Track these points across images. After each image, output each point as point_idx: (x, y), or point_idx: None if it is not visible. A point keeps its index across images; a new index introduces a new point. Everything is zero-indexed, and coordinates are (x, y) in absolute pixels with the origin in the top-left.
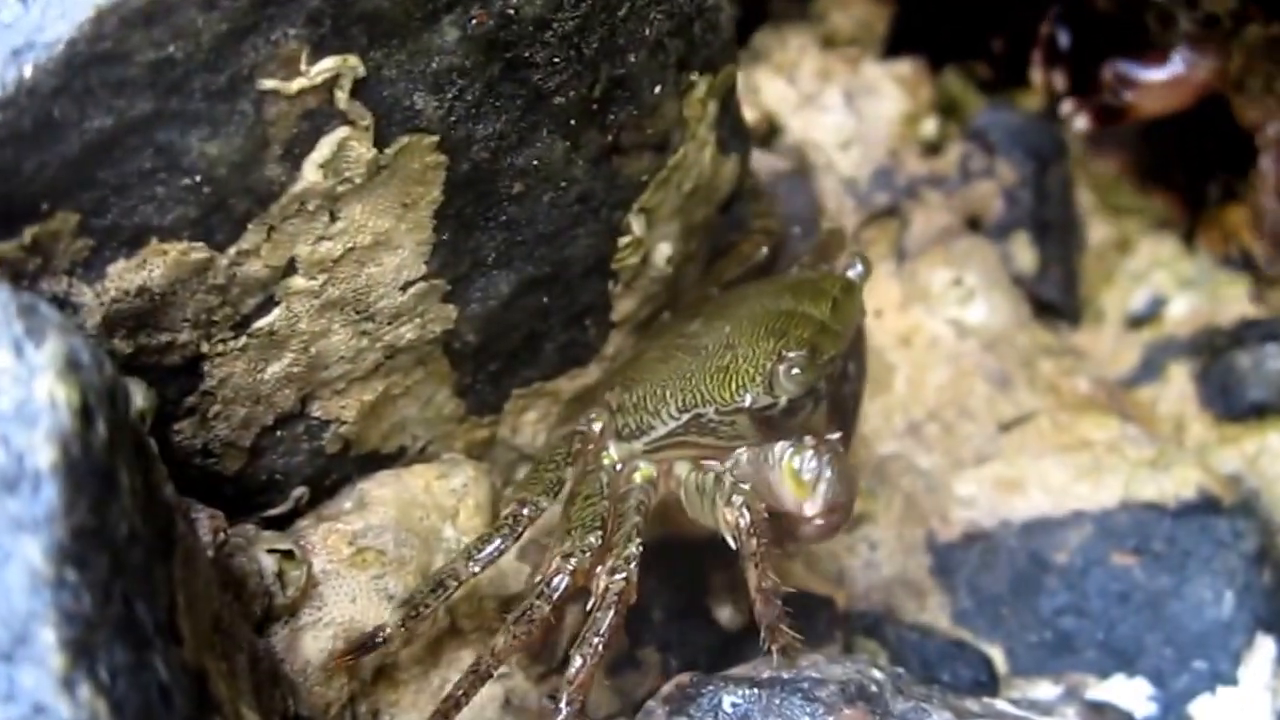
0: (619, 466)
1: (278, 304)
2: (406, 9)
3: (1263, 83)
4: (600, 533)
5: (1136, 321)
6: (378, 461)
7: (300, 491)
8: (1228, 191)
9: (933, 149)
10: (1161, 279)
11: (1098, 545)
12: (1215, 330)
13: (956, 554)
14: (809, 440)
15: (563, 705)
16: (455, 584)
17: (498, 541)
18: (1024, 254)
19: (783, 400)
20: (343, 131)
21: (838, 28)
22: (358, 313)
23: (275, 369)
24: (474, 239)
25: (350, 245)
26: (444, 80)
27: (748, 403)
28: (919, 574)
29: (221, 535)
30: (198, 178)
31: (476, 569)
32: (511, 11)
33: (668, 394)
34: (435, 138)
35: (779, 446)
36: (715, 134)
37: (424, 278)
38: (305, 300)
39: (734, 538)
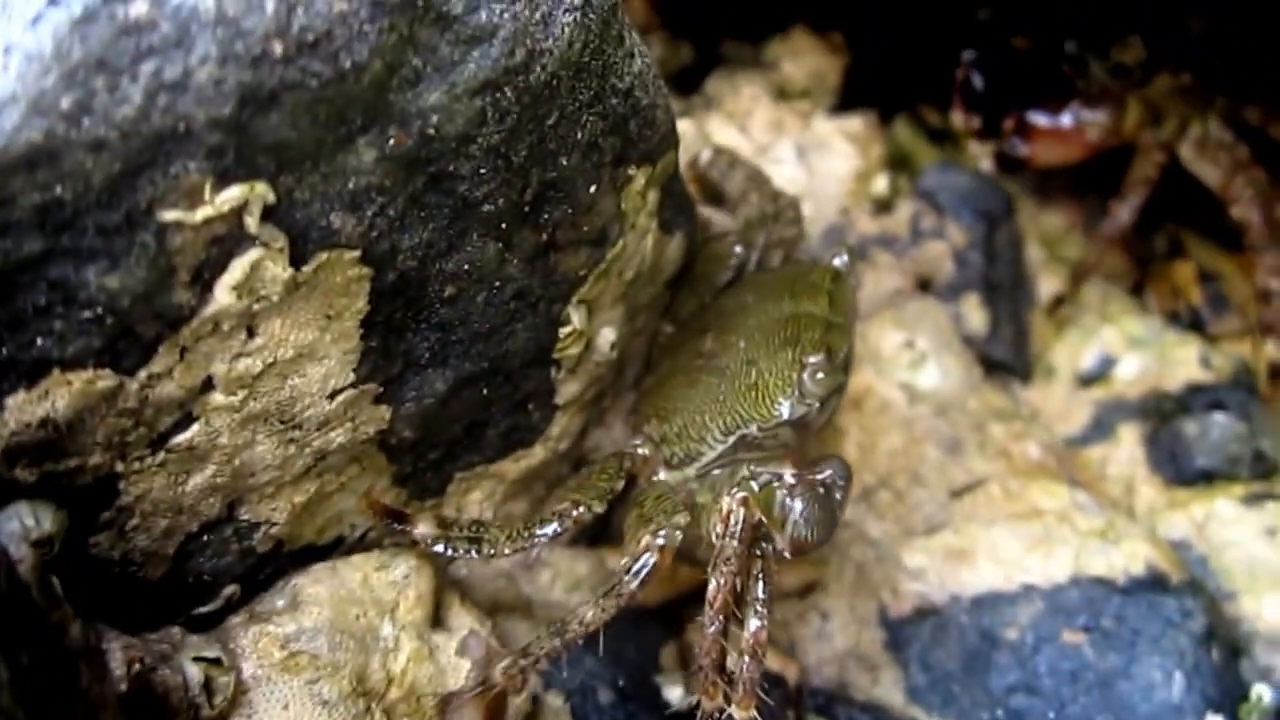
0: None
1: (196, 420)
2: (317, 136)
3: (1176, 130)
4: (686, 514)
5: (1086, 380)
6: (315, 553)
7: (231, 590)
8: (1175, 246)
9: (883, 207)
10: (1111, 337)
11: (1048, 622)
12: (1163, 395)
13: (908, 629)
14: (789, 478)
15: (707, 627)
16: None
17: (553, 526)
18: (974, 315)
19: (815, 404)
20: (255, 254)
21: (790, 77)
22: (283, 423)
23: (197, 480)
24: (406, 342)
25: (271, 360)
26: (362, 199)
27: (786, 415)
28: (872, 648)
29: (138, 665)
30: (99, 309)
31: (518, 549)
32: (432, 131)
33: (708, 419)
34: (356, 252)
35: (764, 476)
36: (657, 219)
37: (352, 385)
38: (226, 415)
39: (719, 528)
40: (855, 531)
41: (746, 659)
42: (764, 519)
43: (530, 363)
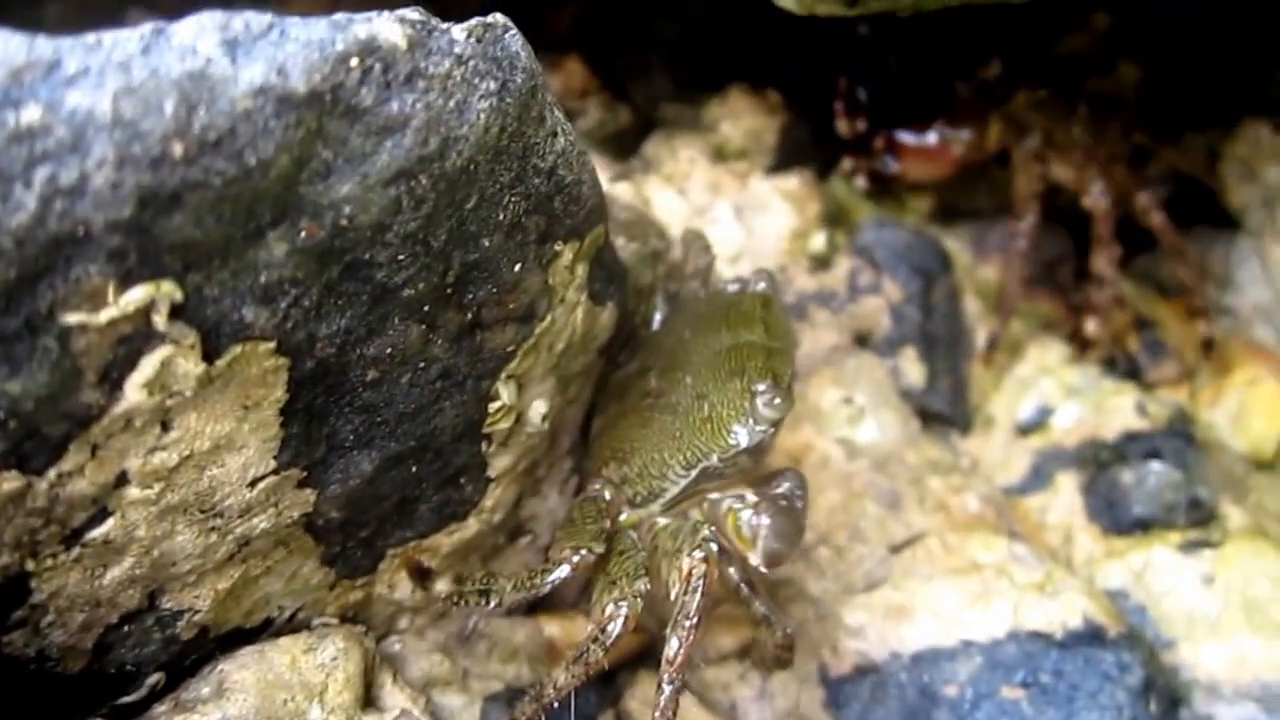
0: (641, 527)
1: (111, 514)
2: (225, 233)
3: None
4: (646, 579)
5: (1025, 430)
6: (243, 636)
7: (155, 679)
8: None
9: (821, 264)
10: (1048, 387)
11: (987, 678)
12: (1100, 443)
13: (848, 688)
14: (750, 497)
15: (665, 686)
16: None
17: (556, 574)
18: (912, 369)
19: (770, 429)
20: (165, 351)
21: (727, 138)
22: (203, 512)
23: (115, 573)
24: (329, 426)
25: (187, 453)
26: (275, 291)
27: (745, 443)
28: (812, 708)
29: None
30: (1, 414)
31: (527, 597)
32: (345, 222)
33: (667, 456)
34: (272, 343)
35: (726, 502)
36: (587, 291)
37: (273, 472)
38: (142, 509)
39: (680, 586)
40: (795, 590)
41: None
42: (736, 544)
43: (460, 438)
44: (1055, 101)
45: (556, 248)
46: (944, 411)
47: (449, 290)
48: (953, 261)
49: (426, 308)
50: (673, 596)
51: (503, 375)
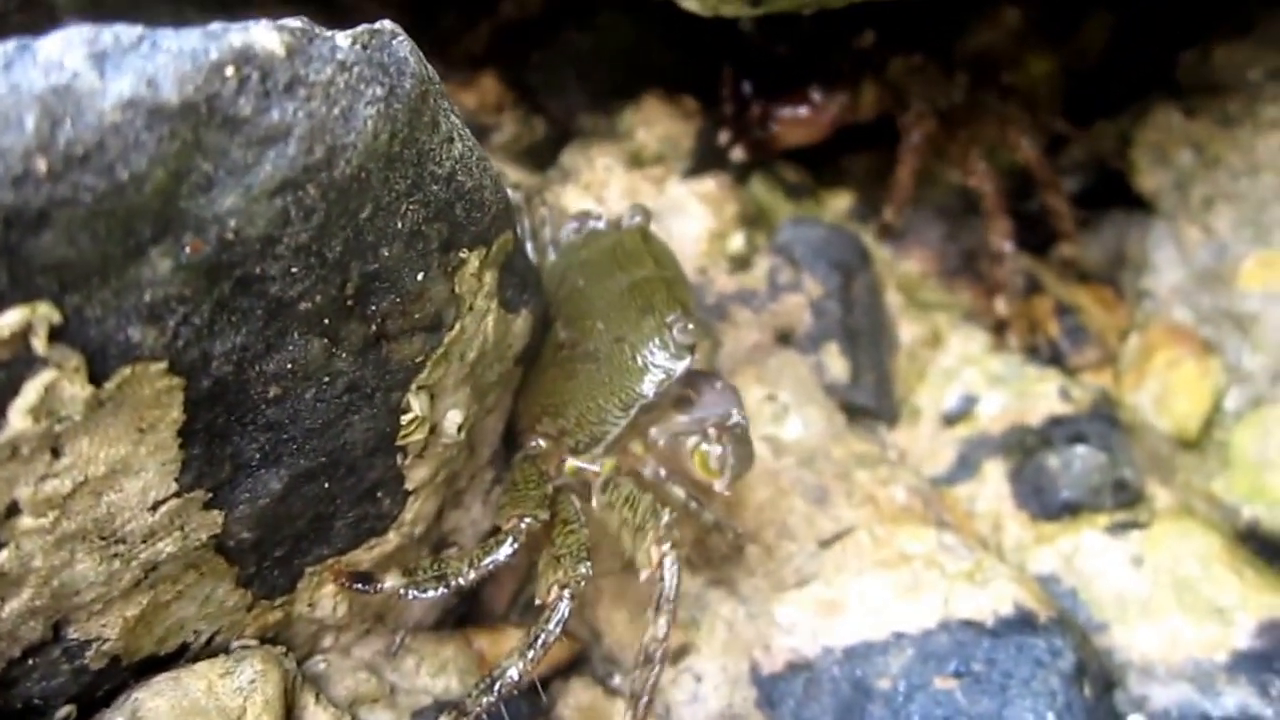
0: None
1: (4, 545)
2: (102, 251)
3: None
4: (589, 562)
5: (950, 420)
6: (158, 664)
7: (66, 711)
8: (1032, 283)
9: (741, 264)
10: (972, 376)
11: (920, 669)
12: (1025, 429)
13: (781, 685)
14: (713, 432)
15: (656, 662)
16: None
17: (507, 548)
18: (835, 364)
19: (692, 355)
20: (48, 375)
21: (644, 144)
22: (103, 539)
23: (14, 606)
24: (232, 445)
25: (81, 479)
26: (162, 310)
27: (675, 373)
28: (745, 707)
29: None
30: None
31: (482, 573)
32: (231, 235)
33: (603, 402)
34: (163, 363)
35: (691, 440)
36: (497, 299)
37: (175, 494)
38: (37, 538)
39: (655, 579)
40: (725, 589)
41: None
42: (702, 475)
43: (373, 452)
44: (930, 66)
45: (461, 255)
46: (869, 405)
47: (350, 302)
48: (872, 256)
49: (327, 321)
50: (644, 577)
51: (413, 386)
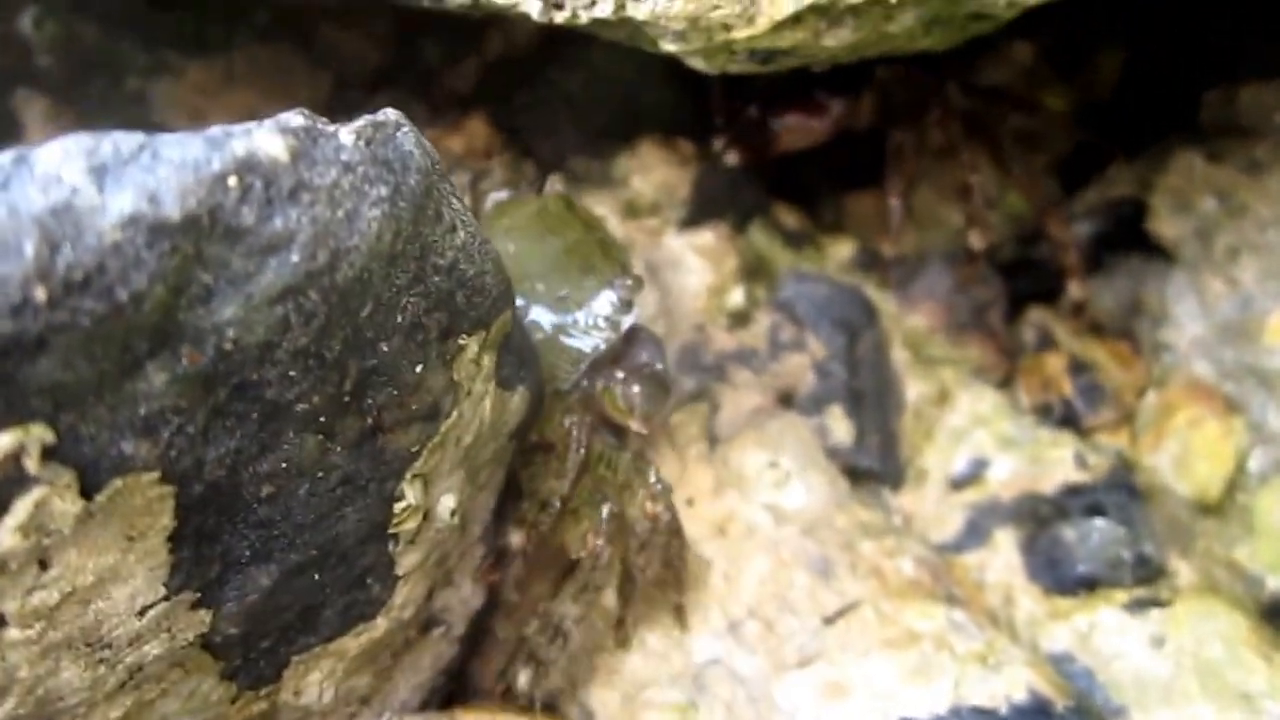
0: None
1: None
2: (98, 370)
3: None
4: (610, 504)
5: (958, 484)
6: None
7: None
8: (1044, 337)
9: (740, 320)
10: (982, 438)
11: None
12: (1039, 498)
13: None
14: (619, 374)
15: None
16: None
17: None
18: (839, 426)
19: (633, 310)
20: (39, 493)
21: (639, 193)
22: (89, 645)
23: None
24: (222, 544)
25: (69, 589)
26: (157, 422)
27: (624, 325)
28: None
29: None
30: None
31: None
32: (229, 345)
33: (553, 360)
34: (155, 473)
35: (599, 382)
36: (494, 380)
37: (164, 598)
38: (23, 649)
39: (649, 523)
40: (724, 669)
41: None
42: (615, 415)
43: (364, 541)
44: (927, 78)
45: (460, 341)
46: (873, 468)
47: (346, 398)
48: (878, 311)
49: (323, 418)
50: (638, 529)
51: (408, 475)
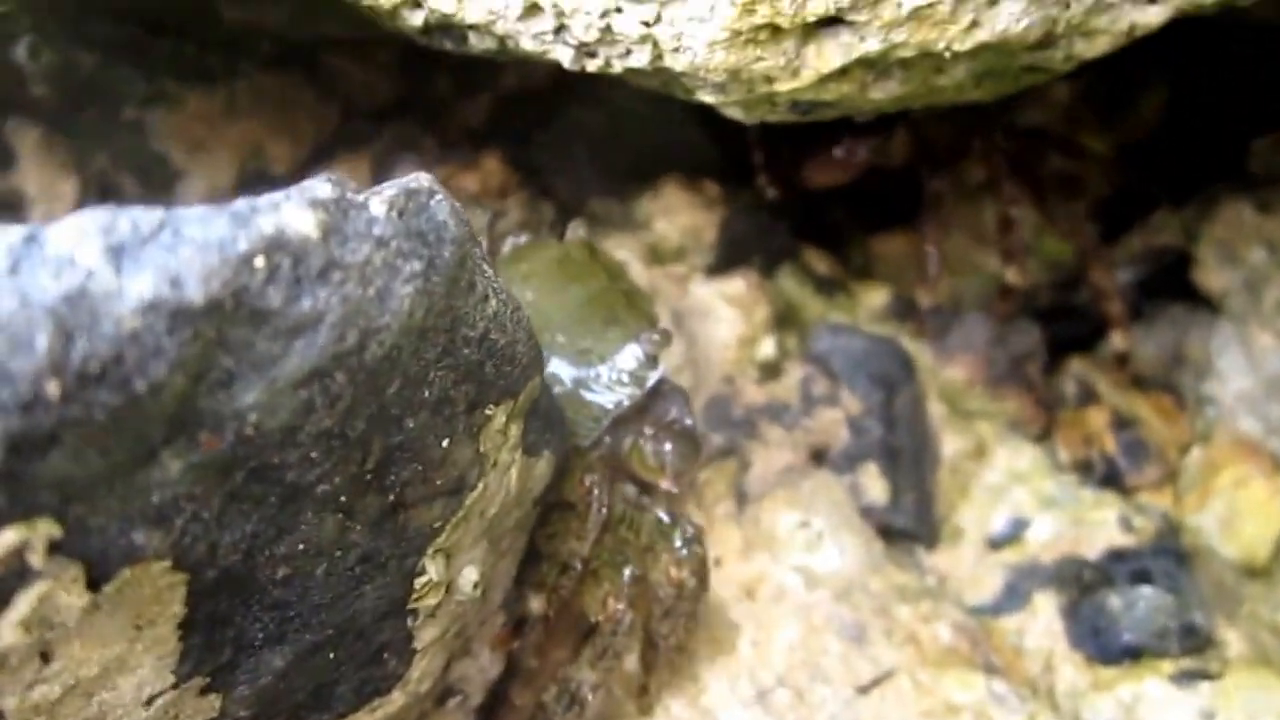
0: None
1: None
2: (111, 462)
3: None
4: (631, 568)
5: (997, 543)
6: None
7: None
8: (1085, 391)
9: (771, 372)
10: (1021, 497)
11: None
12: (1081, 562)
13: None
14: (649, 429)
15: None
16: None
17: None
18: (874, 485)
19: (659, 366)
20: (43, 586)
21: (664, 237)
22: None
23: None
24: (235, 628)
25: (72, 682)
26: (170, 510)
27: (649, 381)
28: None
29: None
30: None
31: None
32: (250, 431)
33: (572, 414)
34: (166, 562)
35: (628, 441)
36: (521, 448)
37: (172, 686)
38: None
39: (676, 589)
40: None
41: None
42: (643, 474)
43: (383, 617)
44: (964, 116)
45: (488, 412)
46: (908, 528)
47: (368, 477)
48: (914, 364)
49: (343, 498)
50: (662, 594)
51: (430, 551)
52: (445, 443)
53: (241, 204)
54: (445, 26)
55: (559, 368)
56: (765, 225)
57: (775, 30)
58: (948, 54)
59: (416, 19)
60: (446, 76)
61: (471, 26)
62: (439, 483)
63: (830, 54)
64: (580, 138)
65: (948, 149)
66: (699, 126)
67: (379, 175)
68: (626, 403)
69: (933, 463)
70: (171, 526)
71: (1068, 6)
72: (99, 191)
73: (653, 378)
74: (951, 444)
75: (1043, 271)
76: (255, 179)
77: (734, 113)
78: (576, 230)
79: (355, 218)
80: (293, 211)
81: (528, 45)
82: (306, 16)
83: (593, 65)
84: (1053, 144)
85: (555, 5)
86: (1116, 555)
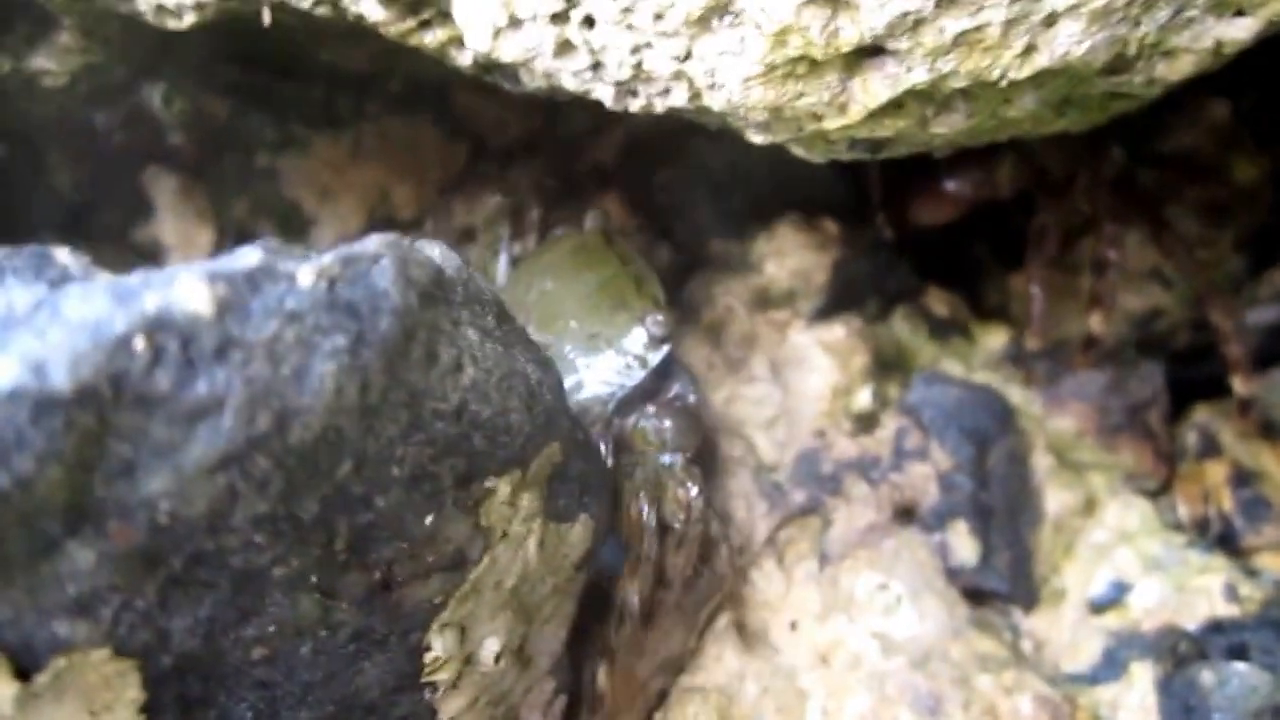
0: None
1: None
2: (3, 554)
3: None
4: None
5: (1098, 607)
6: None
7: None
8: (1208, 442)
9: (866, 424)
10: (1126, 558)
11: None
12: (1179, 633)
13: None
14: (651, 408)
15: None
16: None
17: None
18: (963, 545)
19: (666, 347)
20: None
21: (773, 279)
22: None
23: None
24: (217, 708)
25: None
26: (92, 601)
27: (653, 362)
28: None
29: None
30: None
31: None
32: (165, 520)
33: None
34: (105, 650)
35: (632, 419)
36: (542, 516)
37: None
38: None
39: (683, 513)
40: None
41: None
42: (645, 448)
43: (395, 690)
44: (1081, 139)
45: (487, 485)
46: (1001, 590)
47: (342, 556)
48: (1017, 415)
49: (315, 579)
50: (675, 524)
51: (434, 626)
52: (430, 519)
53: (133, 279)
54: (491, 66)
55: (572, 355)
56: (883, 265)
57: (813, 63)
58: (1004, 83)
59: (465, 59)
60: (582, 112)
61: (513, 65)
62: (430, 559)
63: (876, 87)
64: (703, 177)
65: (1062, 178)
66: (824, 163)
67: (503, 217)
68: (630, 385)
69: (1033, 520)
70: (99, 616)
71: (1138, 24)
72: (236, 240)
73: (656, 358)
74: (1058, 499)
75: (1180, 309)
76: (383, 224)
77: (798, 151)
78: (593, 219)
79: (266, 291)
80: (185, 287)
81: (570, 84)
82: (386, 55)
83: (635, 105)
84: (1185, 173)
85: (587, 42)
86: (1215, 627)
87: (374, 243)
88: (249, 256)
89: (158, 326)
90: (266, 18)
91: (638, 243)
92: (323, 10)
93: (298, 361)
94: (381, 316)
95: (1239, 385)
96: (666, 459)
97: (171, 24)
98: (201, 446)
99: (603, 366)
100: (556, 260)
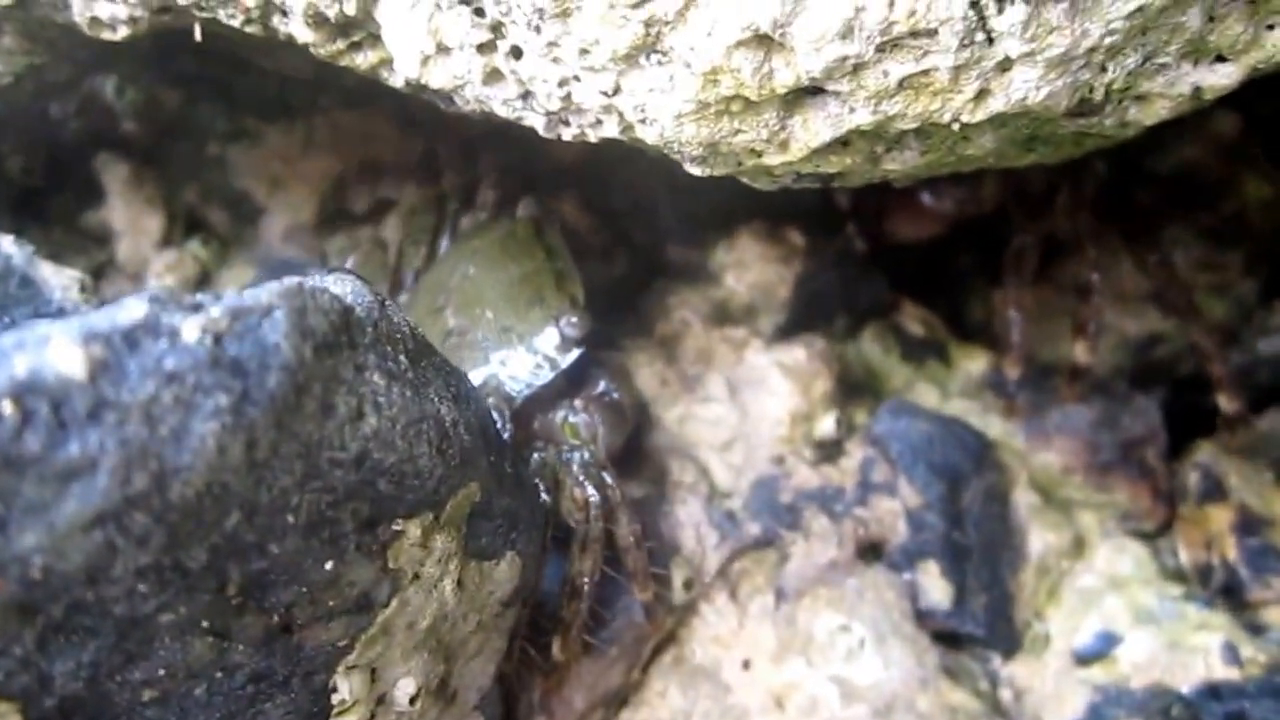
0: None
1: None
2: None
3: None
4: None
5: (1083, 658)
6: None
7: None
8: (1211, 483)
9: (830, 452)
10: (1115, 607)
11: None
12: (1172, 694)
13: None
14: (578, 403)
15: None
16: None
17: None
18: (935, 586)
19: (578, 349)
20: None
21: (733, 293)
22: None
23: None
24: None
25: None
26: None
27: (563, 364)
28: None
29: None
30: None
31: None
32: (38, 574)
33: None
34: None
35: (559, 415)
36: (460, 556)
37: None
38: None
39: (581, 513)
40: None
41: (633, 551)
42: (576, 443)
43: None
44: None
45: (395, 528)
46: (976, 633)
47: (235, 601)
48: (997, 449)
49: (206, 623)
50: (574, 522)
51: (340, 668)
52: (330, 565)
53: (7, 339)
54: (423, 90)
55: (484, 345)
56: (853, 278)
57: (748, 102)
58: (955, 125)
59: (397, 80)
60: None
61: (443, 90)
62: (332, 603)
63: (817, 126)
64: (664, 180)
65: (1042, 196)
66: None
67: (453, 192)
68: (536, 385)
69: (1015, 561)
70: None
71: (1104, 70)
72: (186, 225)
73: (566, 360)
74: (1042, 540)
75: (1182, 334)
76: (336, 216)
77: (747, 181)
78: (526, 208)
79: (145, 350)
80: (57, 350)
81: (501, 111)
82: (324, 69)
83: (568, 134)
84: (1192, 191)
85: (515, 72)
86: (1212, 691)
87: (268, 292)
88: (134, 310)
89: (28, 390)
90: (198, 34)
91: (596, 244)
92: (253, 29)
93: (176, 422)
94: (270, 374)
95: (1225, 402)
96: (567, 454)
97: (106, 35)
98: (75, 505)
99: (514, 362)
100: (483, 247)
